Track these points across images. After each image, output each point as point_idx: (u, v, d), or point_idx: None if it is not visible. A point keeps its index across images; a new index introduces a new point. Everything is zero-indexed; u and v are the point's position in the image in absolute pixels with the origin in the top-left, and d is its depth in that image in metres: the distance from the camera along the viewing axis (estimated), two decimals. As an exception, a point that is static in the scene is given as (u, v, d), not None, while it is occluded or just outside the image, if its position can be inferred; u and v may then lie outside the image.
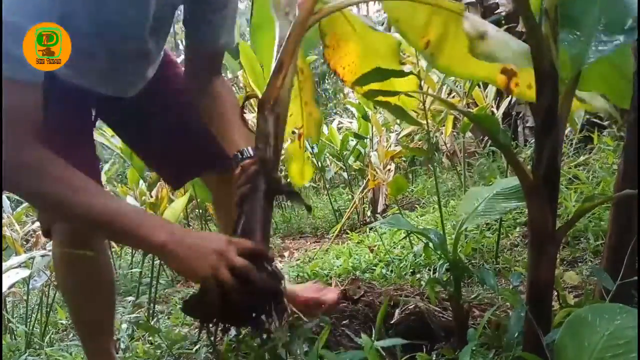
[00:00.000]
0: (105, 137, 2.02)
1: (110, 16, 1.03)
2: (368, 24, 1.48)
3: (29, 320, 1.80)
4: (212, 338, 0.94)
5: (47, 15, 0.88)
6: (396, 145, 3.19)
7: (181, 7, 1.20)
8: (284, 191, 1.02)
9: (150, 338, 1.59)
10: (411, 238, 2.13)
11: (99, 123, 1.41)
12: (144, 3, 1.05)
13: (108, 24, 1.04)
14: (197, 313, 0.95)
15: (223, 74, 1.34)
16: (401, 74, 1.24)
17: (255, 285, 0.89)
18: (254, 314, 0.91)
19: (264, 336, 0.92)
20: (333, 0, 1.20)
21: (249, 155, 1.09)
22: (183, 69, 1.33)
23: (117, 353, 1.50)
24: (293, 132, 1.69)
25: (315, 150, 3.45)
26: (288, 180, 1.65)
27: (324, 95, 7.79)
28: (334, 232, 2.96)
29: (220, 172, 1.36)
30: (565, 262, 1.73)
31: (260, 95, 1.02)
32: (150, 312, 1.86)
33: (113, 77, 1.23)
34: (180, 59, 1.67)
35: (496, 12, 4.05)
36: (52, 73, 0.99)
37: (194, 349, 1.40)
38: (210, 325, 0.93)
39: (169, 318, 1.83)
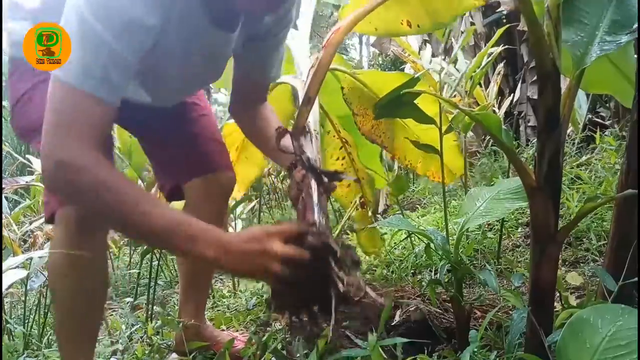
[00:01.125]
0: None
1: (201, 47, 1.12)
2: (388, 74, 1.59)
3: (26, 321, 1.80)
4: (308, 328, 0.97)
5: (143, 43, 0.96)
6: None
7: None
8: (327, 173, 1.11)
9: (149, 340, 1.59)
10: (412, 239, 2.12)
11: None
12: (231, 40, 1.15)
13: (197, 55, 1.13)
14: (283, 308, 0.97)
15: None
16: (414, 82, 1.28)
17: (309, 260, 0.91)
18: (328, 281, 0.92)
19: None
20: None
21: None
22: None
23: (116, 355, 1.50)
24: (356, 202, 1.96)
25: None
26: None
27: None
28: (333, 232, 2.95)
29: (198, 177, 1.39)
30: (567, 263, 1.72)
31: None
32: (149, 313, 1.85)
33: (170, 94, 1.28)
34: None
35: (497, 10, 4.04)
36: None
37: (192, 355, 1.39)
38: (300, 315, 0.96)
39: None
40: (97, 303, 1.24)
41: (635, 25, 0.87)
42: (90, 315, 1.22)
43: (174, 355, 1.44)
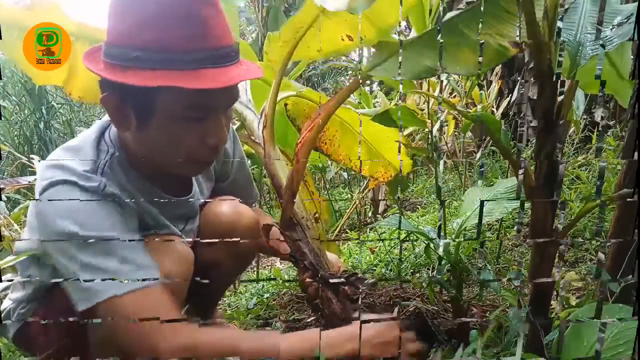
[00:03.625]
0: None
1: (171, 212, 1.17)
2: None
3: (28, 320, 1.79)
4: None
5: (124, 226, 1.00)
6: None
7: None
8: (346, 283, 1.15)
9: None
10: (412, 238, 2.12)
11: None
12: (188, 201, 1.21)
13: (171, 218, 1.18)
14: None
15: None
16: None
17: None
18: None
19: None
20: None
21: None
22: None
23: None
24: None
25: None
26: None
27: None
28: (333, 232, 2.96)
29: None
30: (566, 263, 1.72)
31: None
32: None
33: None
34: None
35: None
36: None
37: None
38: None
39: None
40: None
41: (617, 20, 0.89)
42: None
43: None
